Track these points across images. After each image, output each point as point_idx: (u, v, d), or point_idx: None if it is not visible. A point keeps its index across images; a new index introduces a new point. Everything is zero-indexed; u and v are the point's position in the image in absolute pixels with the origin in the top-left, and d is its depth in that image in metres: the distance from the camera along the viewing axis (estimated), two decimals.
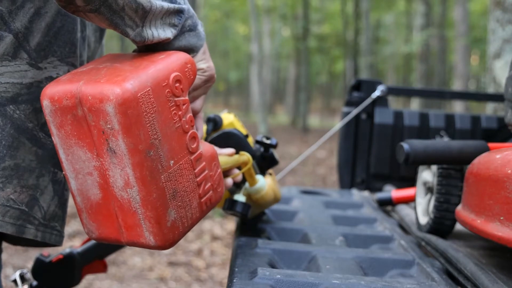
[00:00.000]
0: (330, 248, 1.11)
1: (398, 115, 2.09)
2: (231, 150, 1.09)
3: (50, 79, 0.96)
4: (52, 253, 1.29)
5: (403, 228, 1.45)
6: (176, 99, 0.85)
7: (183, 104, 0.87)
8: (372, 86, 2.11)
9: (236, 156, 1.09)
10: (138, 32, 0.85)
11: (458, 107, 10.51)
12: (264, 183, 1.17)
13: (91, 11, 0.79)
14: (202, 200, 0.92)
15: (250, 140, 1.19)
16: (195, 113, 0.98)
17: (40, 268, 1.24)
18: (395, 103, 18.23)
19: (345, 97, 2.22)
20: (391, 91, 2.19)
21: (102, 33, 1.13)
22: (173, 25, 0.89)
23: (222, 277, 3.81)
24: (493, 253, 1.12)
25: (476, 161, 1.05)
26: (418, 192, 1.40)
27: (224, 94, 36.76)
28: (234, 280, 0.90)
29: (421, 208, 1.37)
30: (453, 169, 1.23)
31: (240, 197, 1.13)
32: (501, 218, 0.90)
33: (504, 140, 2.00)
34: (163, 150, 0.83)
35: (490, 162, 0.98)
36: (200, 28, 0.95)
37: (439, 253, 1.15)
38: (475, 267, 0.99)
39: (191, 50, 0.94)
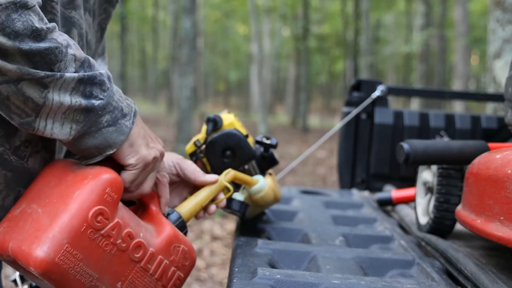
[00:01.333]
0: (330, 248, 1.11)
1: (398, 115, 2.08)
2: (213, 178, 1.07)
3: None
4: None
5: (403, 228, 1.45)
6: (102, 231, 0.84)
7: (113, 229, 0.85)
8: (372, 86, 2.11)
9: (217, 185, 1.06)
10: (27, 121, 0.82)
11: (458, 107, 10.50)
12: (264, 183, 1.17)
13: None
14: (169, 286, 0.93)
15: (250, 140, 1.19)
16: (148, 193, 0.95)
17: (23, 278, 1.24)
18: (395, 103, 18.22)
19: (345, 97, 2.22)
20: (391, 91, 2.19)
21: (103, 33, 1.12)
22: (77, 121, 0.84)
23: (222, 277, 3.80)
24: (493, 253, 1.12)
25: (476, 161, 1.05)
26: (418, 192, 1.40)
27: (224, 94, 36.74)
28: (234, 280, 0.90)
29: (421, 208, 1.37)
30: (453, 169, 1.23)
31: (238, 196, 1.13)
32: (501, 218, 0.90)
33: (504, 140, 2.00)
34: (104, 282, 0.84)
35: (490, 162, 0.98)
36: (125, 121, 0.88)
37: (439, 253, 1.15)
38: (475, 267, 0.99)
39: (109, 147, 0.87)
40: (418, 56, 12.94)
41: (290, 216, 1.47)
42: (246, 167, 1.21)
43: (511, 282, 0.92)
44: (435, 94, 2.56)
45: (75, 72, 0.82)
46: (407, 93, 2.81)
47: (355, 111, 2.09)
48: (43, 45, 0.79)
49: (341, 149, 2.16)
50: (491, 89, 3.23)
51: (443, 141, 1.24)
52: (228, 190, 1.09)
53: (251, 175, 1.22)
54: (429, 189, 1.36)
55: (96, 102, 0.84)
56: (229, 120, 1.19)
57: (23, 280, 1.22)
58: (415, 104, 12.41)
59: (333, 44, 21.10)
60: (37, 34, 0.79)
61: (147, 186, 0.95)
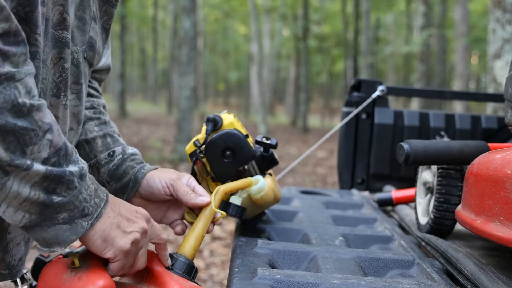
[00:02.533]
0: (330, 248, 1.11)
1: (398, 115, 2.08)
2: (206, 200, 1.06)
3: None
4: (52, 253, 1.29)
5: (403, 228, 1.45)
6: None
7: None
8: (372, 86, 2.11)
9: (210, 212, 1.06)
10: None
11: (458, 107, 10.51)
12: (264, 183, 1.17)
13: None
14: None
15: (250, 140, 1.19)
16: (143, 267, 0.95)
17: (40, 268, 1.24)
18: (395, 103, 18.22)
19: (345, 97, 2.22)
20: (391, 91, 2.19)
21: (107, 34, 1.12)
22: (31, 213, 0.80)
23: (222, 277, 3.80)
24: (493, 253, 1.12)
25: (476, 161, 1.05)
26: (418, 192, 1.40)
27: (224, 94, 36.74)
28: (234, 280, 0.90)
29: (421, 208, 1.37)
30: (453, 169, 1.23)
31: (235, 200, 1.12)
32: (501, 218, 0.90)
33: (504, 140, 2.00)
34: None
35: (490, 162, 0.98)
36: (82, 221, 0.84)
37: (439, 253, 1.15)
38: (475, 267, 0.99)
39: (57, 244, 0.84)
40: (418, 56, 12.94)
41: (290, 216, 1.47)
42: (246, 167, 1.21)
43: (511, 282, 0.92)
44: (435, 94, 2.56)
45: (43, 163, 0.78)
46: (407, 93, 2.81)
47: (355, 111, 2.09)
48: (20, 123, 0.75)
49: (341, 149, 2.16)
50: (491, 89, 3.23)
51: (443, 141, 1.24)
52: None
53: (251, 175, 1.22)
54: (429, 189, 1.36)
55: (56, 199, 0.81)
56: (229, 120, 1.19)
57: (23, 280, 1.22)
58: (415, 104, 12.42)
59: (333, 44, 21.12)
60: (18, 110, 0.75)
61: (140, 264, 0.94)
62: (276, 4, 20.86)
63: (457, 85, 11.28)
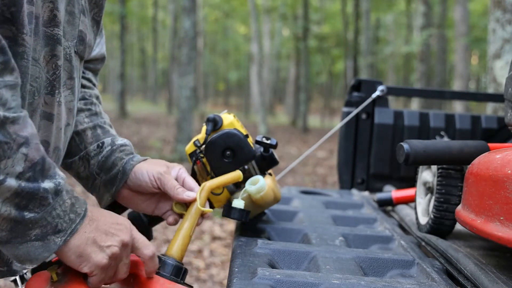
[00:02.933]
0: (330, 248, 1.11)
1: (398, 115, 2.08)
2: (192, 196, 1.06)
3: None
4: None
5: (403, 228, 1.45)
6: None
7: None
8: (372, 86, 2.11)
9: (196, 210, 1.05)
10: None
11: (458, 107, 10.51)
12: (264, 183, 1.17)
13: None
14: None
15: (250, 141, 1.19)
16: (125, 276, 0.94)
17: (40, 268, 1.24)
18: (395, 103, 18.22)
19: (345, 97, 2.21)
20: (391, 91, 2.19)
21: (98, 26, 1.08)
22: (1, 229, 0.78)
23: (222, 277, 3.81)
24: (493, 253, 1.12)
25: (476, 161, 1.05)
26: (418, 192, 1.40)
27: (224, 94, 36.73)
28: (234, 280, 0.90)
29: (421, 208, 1.37)
30: (453, 169, 1.23)
31: (238, 203, 1.12)
32: (501, 218, 0.90)
33: (504, 140, 2.00)
34: None
35: (490, 162, 0.98)
36: (55, 238, 0.82)
37: (439, 253, 1.15)
38: (475, 267, 0.99)
39: (29, 261, 0.82)
40: (418, 56, 12.95)
41: (290, 216, 1.47)
42: (246, 167, 1.21)
43: (511, 282, 0.92)
44: (435, 94, 2.56)
45: (17, 178, 0.76)
46: (407, 93, 2.81)
47: (355, 111, 2.09)
48: None
49: (341, 149, 2.16)
50: (491, 89, 3.23)
51: (443, 141, 1.24)
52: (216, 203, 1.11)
53: (251, 175, 1.22)
54: (429, 189, 1.36)
55: (28, 215, 0.79)
56: (229, 120, 1.18)
57: (23, 280, 1.22)
58: (415, 104, 12.42)
59: (333, 44, 21.12)
60: None
61: (121, 275, 0.92)
62: (276, 4, 20.85)
63: (457, 85, 11.28)
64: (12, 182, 0.76)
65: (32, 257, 0.82)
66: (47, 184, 0.80)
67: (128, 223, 0.93)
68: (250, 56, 21.37)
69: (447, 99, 2.37)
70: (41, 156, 0.80)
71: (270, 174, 1.27)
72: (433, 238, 1.21)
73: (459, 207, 1.10)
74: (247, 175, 1.21)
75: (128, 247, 0.91)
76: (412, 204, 1.60)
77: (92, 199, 4.05)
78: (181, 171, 1.10)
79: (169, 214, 1.12)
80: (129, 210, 1.22)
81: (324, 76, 26.64)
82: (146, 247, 0.94)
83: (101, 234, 0.88)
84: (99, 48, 1.19)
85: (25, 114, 0.79)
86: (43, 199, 0.80)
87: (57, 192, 0.82)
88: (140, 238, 0.94)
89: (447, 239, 1.24)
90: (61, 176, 0.84)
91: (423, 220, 1.33)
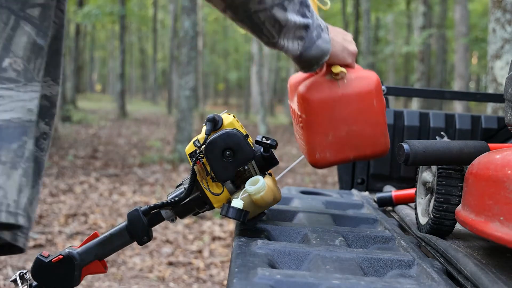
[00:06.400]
0: (330, 248, 1.11)
1: (398, 115, 2.08)
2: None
3: (45, 97, 0.98)
4: (52, 253, 1.29)
5: (403, 228, 1.45)
6: None
7: None
8: None
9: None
10: (272, 42, 1.07)
11: (458, 107, 10.51)
12: (264, 183, 1.17)
13: (237, 20, 1.04)
14: None
15: (250, 141, 1.19)
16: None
17: (40, 268, 1.24)
18: (395, 103, 18.22)
19: None
20: (391, 91, 2.18)
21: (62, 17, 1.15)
22: (301, 38, 1.08)
23: (222, 278, 3.81)
24: (493, 253, 1.12)
25: (476, 161, 1.05)
26: (418, 192, 1.40)
27: (224, 94, 36.73)
28: (234, 280, 0.90)
29: (421, 208, 1.36)
30: (453, 169, 1.23)
31: (237, 203, 1.12)
32: (501, 218, 0.90)
33: (504, 140, 2.00)
34: None
35: (490, 162, 0.98)
36: (324, 34, 1.12)
37: (439, 253, 1.15)
38: (475, 267, 0.99)
39: (324, 55, 1.13)
40: (418, 56, 12.95)
41: (290, 216, 1.47)
42: (246, 167, 1.21)
43: (511, 282, 0.92)
44: (435, 94, 2.56)
45: (293, 6, 1.04)
46: (407, 93, 2.80)
47: None
48: None
49: None
50: (491, 89, 3.23)
51: (443, 141, 1.24)
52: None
53: (251, 175, 1.22)
54: (429, 189, 1.36)
55: (308, 21, 1.08)
56: (229, 120, 1.19)
57: (23, 280, 1.22)
58: (415, 104, 12.42)
59: None
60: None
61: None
62: None
63: (457, 85, 11.29)
64: (294, 6, 1.05)
65: (325, 51, 1.13)
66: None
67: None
68: (250, 56, 21.35)
69: (447, 99, 2.37)
70: None
71: (270, 174, 1.27)
72: (433, 238, 1.21)
73: (459, 207, 1.10)
74: (247, 175, 1.21)
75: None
76: (412, 204, 1.60)
77: None
78: None
79: None
80: (129, 210, 1.22)
81: None
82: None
83: (341, 36, 1.21)
84: None
85: None
86: (307, 6, 1.08)
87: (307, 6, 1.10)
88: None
89: (447, 239, 1.24)
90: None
91: (423, 220, 1.33)
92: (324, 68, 1.25)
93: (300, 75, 1.36)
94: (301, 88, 1.25)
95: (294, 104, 1.36)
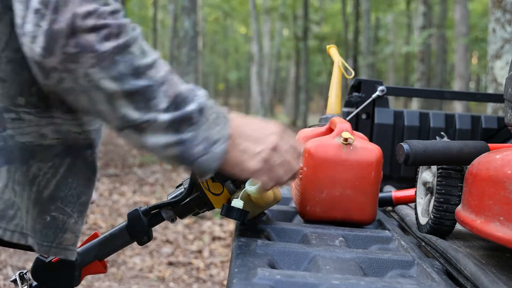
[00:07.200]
0: (330, 248, 1.11)
1: (398, 115, 2.08)
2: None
3: None
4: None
5: (403, 228, 1.45)
6: None
7: None
8: (372, 86, 2.10)
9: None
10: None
11: (458, 107, 10.51)
12: None
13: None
14: None
15: None
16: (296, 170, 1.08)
17: (40, 268, 1.24)
18: (395, 103, 18.23)
19: (345, 97, 2.21)
20: (391, 91, 2.18)
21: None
22: (174, 158, 0.93)
23: (222, 278, 3.81)
24: (493, 253, 1.12)
25: (476, 161, 1.05)
26: (418, 192, 1.40)
27: (224, 94, 36.73)
28: (234, 281, 0.89)
29: (421, 208, 1.36)
30: (453, 169, 1.23)
31: (237, 203, 1.12)
32: (501, 218, 0.90)
33: (504, 140, 2.00)
34: None
35: (490, 163, 0.97)
36: (216, 147, 0.93)
37: (439, 253, 1.15)
38: (475, 267, 0.99)
39: (205, 174, 0.97)
40: (418, 56, 12.95)
41: (290, 216, 1.47)
42: None
43: (511, 282, 0.92)
44: (435, 94, 2.56)
45: (166, 110, 0.86)
46: (407, 93, 2.80)
47: (355, 111, 2.08)
48: (141, 83, 0.83)
49: None
50: (491, 89, 3.24)
51: (443, 141, 1.24)
52: None
53: None
54: (429, 190, 1.36)
55: (185, 136, 0.88)
56: None
57: (23, 280, 1.22)
58: (415, 104, 12.42)
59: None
60: (137, 72, 0.82)
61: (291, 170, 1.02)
62: (276, 4, 20.85)
63: (457, 85, 11.28)
64: (164, 116, 0.86)
65: (206, 170, 0.93)
66: (190, 107, 0.88)
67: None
68: (250, 56, 21.37)
69: (447, 99, 2.37)
70: (178, 91, 0.88)
71: None
72: (433, 238, 1.21)
73: (459, 207, 1.10)
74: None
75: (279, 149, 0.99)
76: (412, 204, 1.60)
77: None
78: None
79: None
80: (129, 210, 1.22)
81: (324, 76, 26.63)
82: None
83: (253, 131, 0.97)
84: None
85: (157, 55, 0.88)
86: (190, 119, 0.88)
87: (200, 110, 0.89)
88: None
89: (447, 239, 1.24)
90: (201, 95, 0.91)
91: (423, 220, 1.33)
92: (336, 131, 1.32)
93: (310, 130, 1.49)
94: (310, 144, 1.33)
95: None
